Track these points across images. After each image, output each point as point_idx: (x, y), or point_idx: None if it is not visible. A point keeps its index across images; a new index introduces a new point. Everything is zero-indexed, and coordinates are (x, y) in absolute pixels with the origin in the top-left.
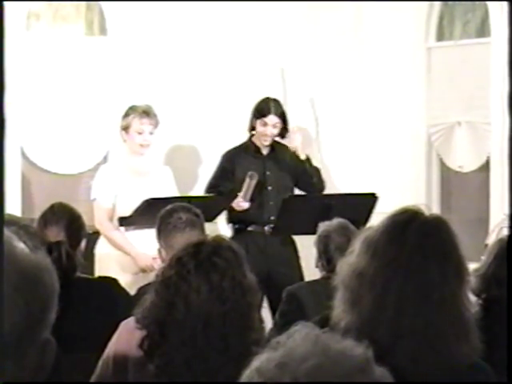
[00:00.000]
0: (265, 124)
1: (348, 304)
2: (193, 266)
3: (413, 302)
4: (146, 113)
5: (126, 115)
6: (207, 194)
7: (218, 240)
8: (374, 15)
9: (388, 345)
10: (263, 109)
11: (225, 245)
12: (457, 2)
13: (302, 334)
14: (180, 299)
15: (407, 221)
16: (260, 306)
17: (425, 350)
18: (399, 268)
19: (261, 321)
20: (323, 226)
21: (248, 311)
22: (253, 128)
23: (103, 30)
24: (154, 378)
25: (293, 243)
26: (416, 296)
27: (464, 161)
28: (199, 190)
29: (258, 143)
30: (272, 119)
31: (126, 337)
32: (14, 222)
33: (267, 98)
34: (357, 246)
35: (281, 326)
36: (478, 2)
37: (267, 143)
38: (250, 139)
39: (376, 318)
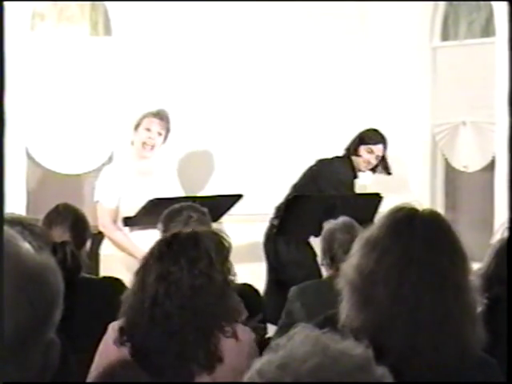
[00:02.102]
0: (371, 151)
1: (359, 305)
2: (159, 254)
3: (429, 293)
4: (158, 113)
5: (140, 116)
6: (211, 195)
7: (196, 230)
8: (379, 15)
9: (408, 339)
10: (373, 136)
11: (203, 234)
12: (462, 2)
13: (301, 335)
14: (142, 284)
15: (410, 216)
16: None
17: (444, 339)
18: (411, 262)
19: (234, 307)
20: (328, 225)
21: (206, 307)
22: (353, 153)
23: (108, 31)
24: (133, 363)
25: None
26: (431, 287)
27: (469, 161)
28: (201, 189)
29: (356, 168)
30: (380, 149)
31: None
32: (19, 221)
33: (375, 129)
34: (358, 247)
35: (286, 325)
36: (482, 2)
37: (365, 170)
38: (349, 159)
39: (393, 313)
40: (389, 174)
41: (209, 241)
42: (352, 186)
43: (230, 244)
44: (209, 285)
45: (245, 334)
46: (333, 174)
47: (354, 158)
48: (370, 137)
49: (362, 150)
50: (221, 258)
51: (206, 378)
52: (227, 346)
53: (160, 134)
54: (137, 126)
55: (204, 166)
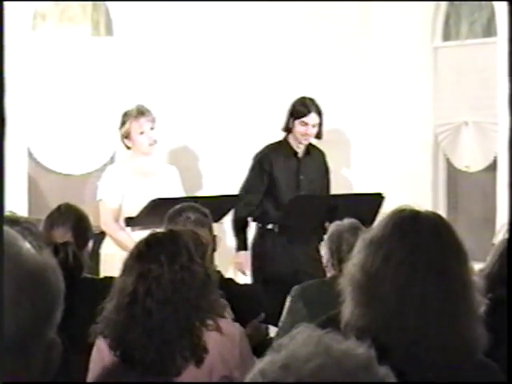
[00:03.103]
0: (305, 124)
1: (365, 304)
2: (138, 254)
3: (437, 291)
4: (140, 112)
5: (123, 123)
6: (214, 195)
7: (173, 229)
8: (381, 15)
9: (416, 338)
10: (303, 108)
11: (180, 232)
12: (463, 2)
13: (304, 335)
14: (122, 285)
15: (414, 216)
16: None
17: (452, 338)
18: (419, 261)
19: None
20: (334, 226)
21: (193, 299)
22: (289, 129)
23: (109, 31)
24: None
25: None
26: (439, 285)
27: (471, 161)
28: (199, 188)
29: (294, 145)
30: (313, 118)
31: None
32: (18, 221)
33: (304, 97)
34: (362, 247)
35: (288, 325)
36: (484, 2)
37: (306, 143)
38: (285, 139)
39: (401, 312)
40: (319, 138)
41: (187, 237)
42: (279, 165)
43: (209, 242)
44: (190, 279)
45: (231, 327)
46: (254, 161)
47: (291, 135)
48: (300, 110)
49: (297, 124)
50: (200, 253)
51: (195, 371)
52: (211, 338)
53: (152, 129)
54: (128, 135)
55: (193, 161)
